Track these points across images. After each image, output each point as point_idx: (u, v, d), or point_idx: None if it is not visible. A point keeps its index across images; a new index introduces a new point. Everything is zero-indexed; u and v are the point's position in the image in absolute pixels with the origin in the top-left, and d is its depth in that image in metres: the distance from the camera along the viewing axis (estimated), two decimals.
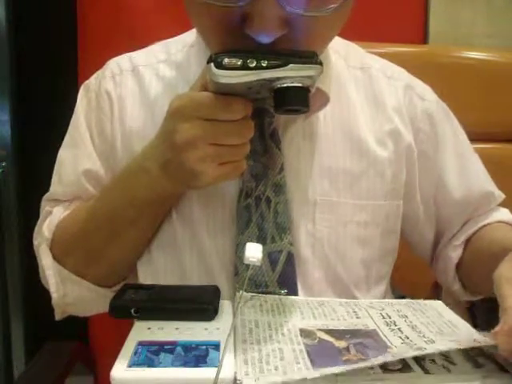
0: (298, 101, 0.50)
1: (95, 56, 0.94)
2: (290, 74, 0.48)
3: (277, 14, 0.48)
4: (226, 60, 0.47)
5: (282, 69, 0.47)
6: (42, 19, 1.15)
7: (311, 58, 0.49)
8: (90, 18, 1.09)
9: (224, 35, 0.51)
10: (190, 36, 0.69)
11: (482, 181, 0.72)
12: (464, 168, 0.71)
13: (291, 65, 0.47)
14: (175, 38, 0.72)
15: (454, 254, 0.70)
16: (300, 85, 0.49)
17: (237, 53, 0.48)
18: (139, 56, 0.70)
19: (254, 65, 0.47)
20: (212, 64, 0.48)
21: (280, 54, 0.48)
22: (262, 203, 0.61)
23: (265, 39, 0.49)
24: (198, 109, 0.52)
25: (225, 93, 0.51)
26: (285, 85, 0.49)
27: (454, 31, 1.25)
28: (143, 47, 0.73)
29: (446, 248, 0.72)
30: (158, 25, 1.07)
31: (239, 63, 0.47)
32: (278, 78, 0.48)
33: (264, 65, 0.47)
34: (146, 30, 1.07)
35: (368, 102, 0.68)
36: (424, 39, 1.24)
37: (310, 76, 0.49)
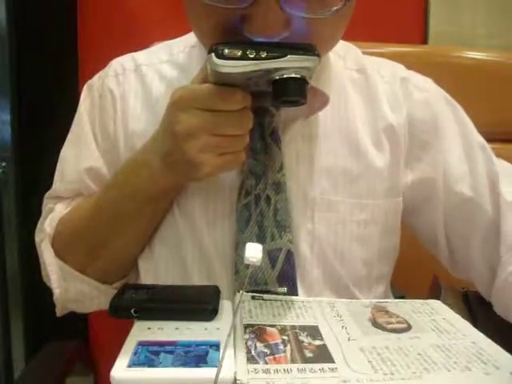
0: (296, 92, 0.50)
1: (95, 56, 0.94)
2: (288, 65, 0.49)
3: (278, 17, 0.48)
4: (227, 50, 0.48)
5: (280, 59, 0.49)
6: (42, 19, 1.15)
7: (309, 49, 0.50)
8: (90, 19, 1.10)
9: (222, 36, 0.51)
10: (192, 37, 0.69)
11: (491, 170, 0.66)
12: (470, 155, 0.67)
13: (289, 56, 0.49)
14: (177, 39, 0.73)
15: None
16: (298, 76, 0.49)
17: (237, 44, 0.49)
18: (142, 56, 0.71)
19: (253, 55, 0.48)
20: (213, 54, 0.49)
21: (279, 45, 0.50)
22: (261, 201, 0.61)
23: (264, 42, 0.49)
24: (198, 99, 0.52)
25: (224, 84, 0.52)
26: (283, 76, 0.49)
27: (453, 31, 1.25)
28: (143, 48, 0.73)
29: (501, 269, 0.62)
30: (158, 26, 1.07)
31: (239, 53, 0.48)
32: (277, 69, 0.49)
33: (263, 55, 0.48)
34: (146, 31, 1.07)
35: (364, 102, 0.68)
36: (424, 39, 1.25)
37: (308, 67, 0.49)
